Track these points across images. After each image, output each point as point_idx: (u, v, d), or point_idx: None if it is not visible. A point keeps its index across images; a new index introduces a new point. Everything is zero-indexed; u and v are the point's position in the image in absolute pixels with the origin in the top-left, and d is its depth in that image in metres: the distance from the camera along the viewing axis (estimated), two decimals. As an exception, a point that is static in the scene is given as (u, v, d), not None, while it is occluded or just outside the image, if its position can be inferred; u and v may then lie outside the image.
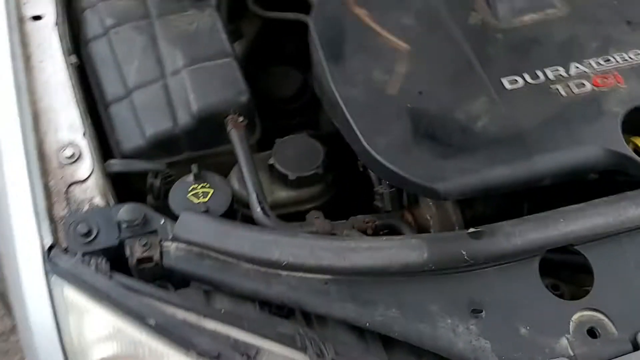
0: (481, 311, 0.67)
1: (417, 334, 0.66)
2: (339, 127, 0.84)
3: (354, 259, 0.69)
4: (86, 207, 0.76)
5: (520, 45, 0.86)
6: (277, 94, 1.12)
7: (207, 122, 0.88)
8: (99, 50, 0.96)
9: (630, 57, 0.84)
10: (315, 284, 0.69)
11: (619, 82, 0.81)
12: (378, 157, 0.75)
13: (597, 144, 0.76)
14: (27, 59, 0.88)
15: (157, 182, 0.86)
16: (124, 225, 0.73)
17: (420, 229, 0.85)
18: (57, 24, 0.92)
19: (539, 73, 0.82)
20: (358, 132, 0.78)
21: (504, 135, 0.77)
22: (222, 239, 0.71)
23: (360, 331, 0.69)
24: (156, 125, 0.88)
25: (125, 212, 0.73)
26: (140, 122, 0.89)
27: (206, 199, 0.81)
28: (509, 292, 0.69)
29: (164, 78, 0.92)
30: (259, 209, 0.79)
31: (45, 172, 0.77)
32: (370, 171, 0.87)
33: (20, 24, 0.91)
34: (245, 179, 0.83)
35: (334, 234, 0.79)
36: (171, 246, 0.72)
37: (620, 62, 0.83)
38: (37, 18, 0.94)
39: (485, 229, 0.70)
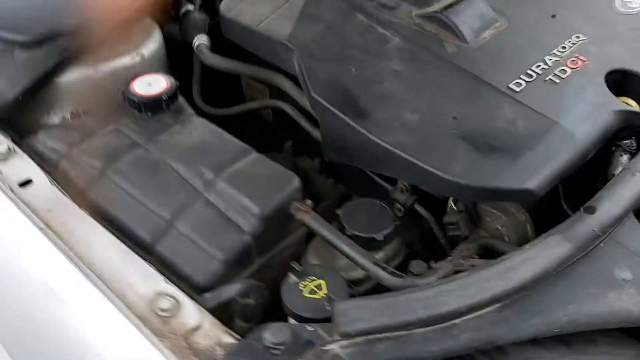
0: (628, 279, 0.76)
1: (600, 318, 0.72)
2: (395, 175, 0.88)
3: (518, 276, 0.73)
4: (219, 351, 0.68)
5: (496, 56, 0.98)
6: None
7: (273, 220, 0.84)
8: (106, 196, 0.85)
9: (575, 41, 1.02)
10: (492, 316, 0.71)
11: (583, 61, 0.98)
12: (463, 181, 0.81)
13: (605, 109, 0.91)
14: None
15: (252, 301, 0.79)
16: (277, 351, 0.67)
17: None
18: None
19: (530, 72, 0.95)
20: (433, 169, 0.82)
21: (539, 127, 0.88)
22: (392, 315, 0.69)
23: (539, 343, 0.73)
24: (226, 242, 0.81)
25: (272, 334, 0.67)
26: (204, 248, 0.81)
27: (325, 290, 0.78)
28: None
29: (201, 195, 0.85)
30: (387, 274, 0.78)
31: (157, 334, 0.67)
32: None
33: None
34: (347, 254, 0.81)
35: (459, 271, 0.81)
36: (335, 349, 0.68)
37: (572, 46, 1.01)
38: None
39: (589, 204, 0.80)
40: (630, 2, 1.14)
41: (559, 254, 0.74)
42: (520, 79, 0.93)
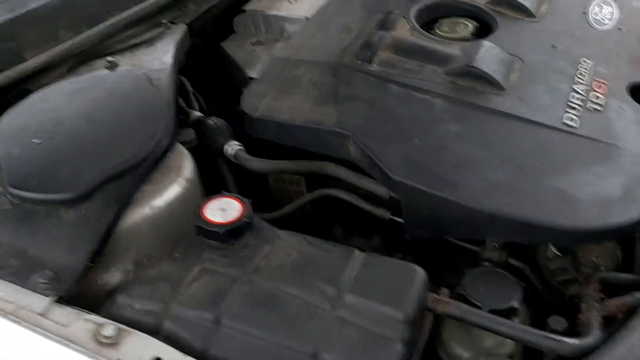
0: None
1: None
2: (497, 237, 0.89)
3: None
4: None
5: (534, 96, 1.03)
6: None
7: (416, 320, 0.80)
8: (234, 348, 0.76)
9: (585, 66, 1.09)
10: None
11: (604, 83, 1.06)
12: (589, 227, 0.83)
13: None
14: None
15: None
16: None
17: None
18: None
19: (571, 104, 1.00)
20: (553, 223, 0.84)
21: (613, 156, 0.93)
22: None
23: None
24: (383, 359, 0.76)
25: None
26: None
27: None
28: None
29: (333, 315, 0.79)
30: (556, 342, 0.77)
31: None
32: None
33: None
34: (507, 333, 0.80)
35: (607, 316, 0.82)
36: None
37: (587, 71, 1.08)
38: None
39: None
40: (600, 19, 1.25)
41: None
42: (568, 112, 0.98)
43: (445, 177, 0.91)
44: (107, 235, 0.84)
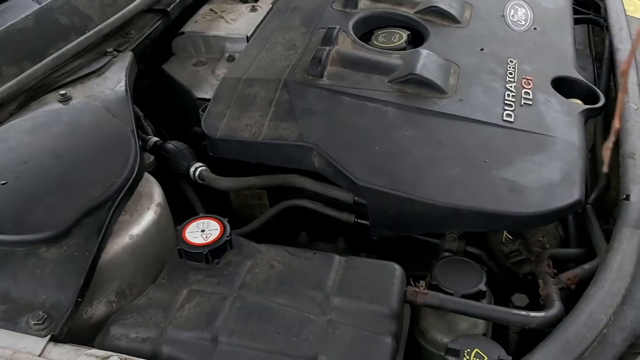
0: None
1: None
2: (457, 228, 0.99)
3: (628, 269, 0.85)
4: None
5: (475, 97, 1.12)
6: None
7: (401, 313, 0.87)
8: None
9: (512, 65, 1.20)
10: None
11: (530, 79, 1.17)
12: (534, 212, 0.93)
13: (574, 113, 1.10)
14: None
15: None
16: None
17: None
18: None
19: (507, 102, 1.10)
20: (505, 211, 0.93)
21: (550, 146, 1.03)
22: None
23: None
24: (377, 354, 0.80)
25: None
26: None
27: (486, 357, 0.83)
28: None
29: (324, 319, 0.84)
30: (531, 317, 0.85)
31: None
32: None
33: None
34: (482, 315, 0.87)
35: (562, 288, 0.92)
36: None
37: (514, 70, 1.19)
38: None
39: (625, 194, 0.97)
40: (517, 20, 1.37)
41: (638, 241, 0.90)
42: (505, 110, 1.09)
43: (406, 178, 0.98)
44: (92, 269, 0.84)
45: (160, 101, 1.41)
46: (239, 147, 1.06)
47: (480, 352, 0.82)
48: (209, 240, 0.90)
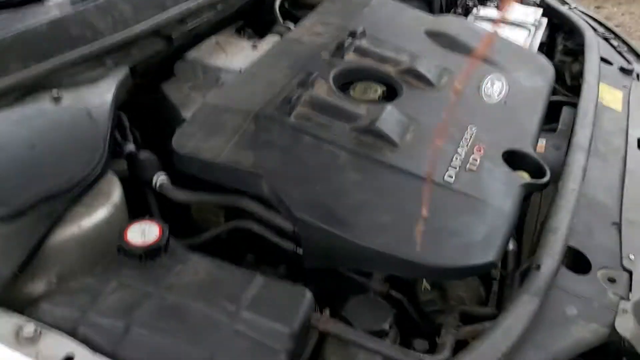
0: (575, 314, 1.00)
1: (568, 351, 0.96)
2: (379, 269, 1.06)
3: (514, 333, 0.92)
4: None
5: (422, 154, 1.21)
6: None
7: (300, 335, 0.94)
8: (135, 353, 0.88)
9: (470, 131, 1.29)
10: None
11: (483, 148, 1.25)
12: (445, 266, 1.00)
13: (515, 185, 1.17)
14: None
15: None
16: None
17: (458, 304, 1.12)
18: None
19: (453, 164, 1.19)
20: (421, 261, 1.00)
21: (480, 209, 1.11)
22: None
23: None
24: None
25: None
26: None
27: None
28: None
29: (230, 327, 0.92)
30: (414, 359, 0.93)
31: None
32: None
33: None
34: (373, 349, 0.94)
35: (461, 340, 0.99)
36: None
37: (471, 137, 1.28)
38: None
39: (535, 263, 1.03)
40: (489, 95, 1.46)
41: (533, 308, 0.96)
42: (449, 171, 1.17)
43: (339, 217, 1.06)
44: (36, 249, 0.95)
45: (155, 116, 1.54)
46: (200, 165, 1.16)
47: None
48: (146, 243, 1.00)
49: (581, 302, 1.01)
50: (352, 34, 1.54)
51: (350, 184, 1.12)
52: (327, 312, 0.98)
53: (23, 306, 0.94)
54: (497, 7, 2.10)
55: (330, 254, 1.08)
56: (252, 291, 0.97)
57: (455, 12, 2.13)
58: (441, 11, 2.11)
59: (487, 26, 1.95)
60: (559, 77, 1.86)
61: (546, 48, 2.06)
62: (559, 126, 1.61)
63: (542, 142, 1.52)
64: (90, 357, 0.83)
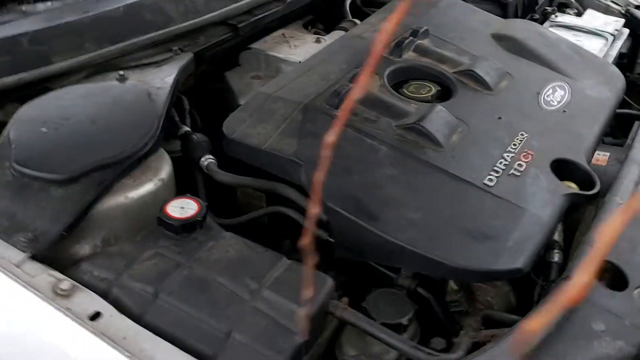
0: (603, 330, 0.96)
1: None
2: (404, 266, 1.06)
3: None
4: None
5: (467, 156, 1.20)
6: None
7: (317, 319, 0.97)
8: (163, 317, 0.94)
9: (521, 138, 1.26)
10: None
11: (531, 154, 1.22)
12: (468, 267, 0.99)
13: (558, 194, 1.14)
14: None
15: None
16: None
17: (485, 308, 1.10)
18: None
19: (496, 168, 1.17)
20: (443, 260, 1.00)
21: (516, 215, 1.09)
22: None
23: None
24: (282, 346, 0.91)
25: None
26: (263, 354, 0.91)
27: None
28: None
29: (250, 304, 0.96)
30: (424, 354, 0.93)
31: None
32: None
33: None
34: (385, 340, 0.95)
35: (477, 342, 0.98)
36: None
37: (520, 142, 1.25)
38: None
39: (566, 275, 1.00)
40: (551, 101, 1.42)
41: (555, 317, 0.93)
42: (491, 174, 1.15)
43: (369, 210, 1.08)
44: (83, 213, 1.03)
45: (217, 102, 1.61)
46: (246, 150, 1.21)
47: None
48: (184, 216, 1.06)
49: (611, 318, 0.97)
50: (414, 33, 1.54)
51: (385, 179, 1.13)
52: (345, 300, 1.00)
53: (68, 266, 1.02)
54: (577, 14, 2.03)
55: (359, 246, 1.09)
56: (276, 272, 1.01)
57: (532, 18, 2.07)
58: (516, 16, 2.06)
59: (564, 33, 1.88)
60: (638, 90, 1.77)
61: (627, 60, 1.96)
62: (628, 140, 1.54)
63: (605, 155, 1.46)
64: (117, 317, 0.90)
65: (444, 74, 1.43)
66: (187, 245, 1.04)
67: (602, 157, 1.46)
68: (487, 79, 1.41)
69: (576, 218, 1.26)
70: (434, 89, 1.39)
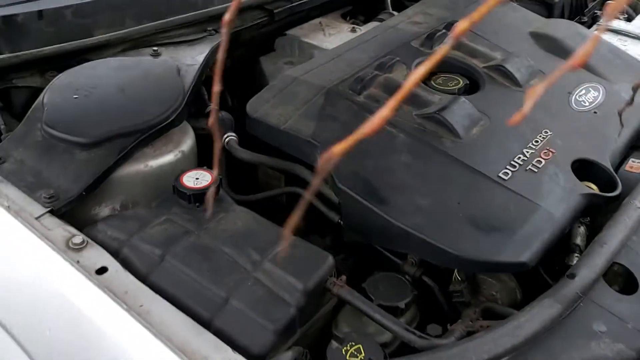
0: (603, 331, 0.94)
1: None
2: (409, 251, 1.07)
3: (523, 333, 0.90)
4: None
5: (485, 149, 1.19)
6: None
7: (313, 294, 0.99)
8: (167, 278, 0.98)
9: (544, 135, 1.24)
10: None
11: (552, 152, 1.20)
12: (470, 257, 0.99)
13: (575, 193, 1.12)
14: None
15: (305, 364, 0.93)
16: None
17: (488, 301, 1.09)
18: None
19: (513, 162, 1.15)
20: (445, 247, 1.00)
21: (527, 209, 1.07)
22: None
23: None
24: (276, 315, 0.94)
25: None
26: (257, 321, 0.94)
27: (363, 353, 0.92)
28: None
29: (250, 274, 0.98)
30: (415, 337, 0.93)
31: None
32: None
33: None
34: (379, 321, 0.96)
35: (471, 332, 0.97)
36: None
37: (543, 140, 1.23)
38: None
39: (571, 271, 0.99)
40: (582, 101, 1.39)
41: (552, 314, 0.92)
42: (507, 169, 1.14)
43: (379, 194, 1.09)
44: (103, 176, 1.08)
45: (250, 84, 1.65)
46: (265, 129, 1.24)
47: (361, 349, 0.92)
48: (197, 187, 1.10)
49: (614, 321, 0.95)
50: (448, 26, 1.53)
51: (399, 165, 1.14)
52: (343, 278, 1.01)
53: (88, 225, 1.08)
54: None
55: (367, 229, 1.10)
56: (280, 246, 1.03)
57: (579, 21, 2.02)
58: (562, 18, 2.01)
59: (610, 37, 1.83)
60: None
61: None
62: None
63: (640, 162, 1.41)
64: (122, 273, 0.94)
65: (473, 68, 1.42)
66: (198, 214, 1.08)
67: (637, 164, 1.42)
68: (517, 75, 1.39)
69: (601, 223, 1.23)
70: (462, 82, 1.38)
